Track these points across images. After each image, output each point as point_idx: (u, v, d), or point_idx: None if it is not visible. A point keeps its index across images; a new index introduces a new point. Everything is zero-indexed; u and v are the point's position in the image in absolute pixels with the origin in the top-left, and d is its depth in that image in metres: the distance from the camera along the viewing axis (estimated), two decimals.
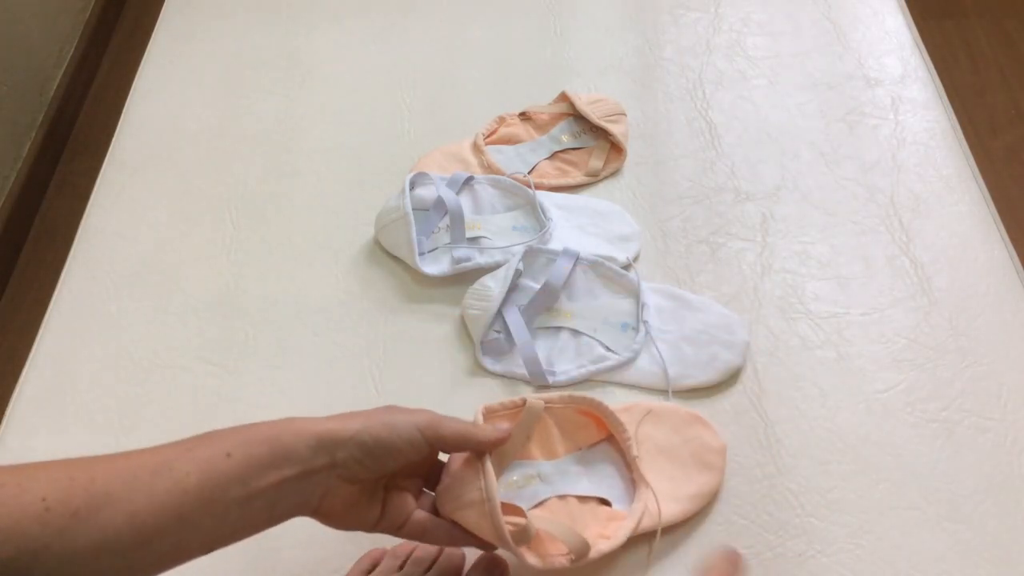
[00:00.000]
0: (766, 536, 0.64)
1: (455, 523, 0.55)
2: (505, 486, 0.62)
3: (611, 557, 0.61)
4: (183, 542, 0.45)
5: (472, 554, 0.63)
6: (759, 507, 0.65)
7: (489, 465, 0.54)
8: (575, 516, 0.62)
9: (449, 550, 0.62)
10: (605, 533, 0.61)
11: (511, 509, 0.57)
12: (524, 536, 0.55)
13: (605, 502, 0.64)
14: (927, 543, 0.63)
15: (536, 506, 0.62)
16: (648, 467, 0.64)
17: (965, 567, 0.62)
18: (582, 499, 0.63)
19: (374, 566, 0.62)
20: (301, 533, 0.65)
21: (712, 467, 0.65)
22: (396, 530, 0.55)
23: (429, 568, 0.61)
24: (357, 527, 0.54)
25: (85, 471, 0.43)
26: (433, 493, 0.57)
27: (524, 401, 0.61)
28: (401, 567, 0.61)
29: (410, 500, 0.55)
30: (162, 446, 0.47)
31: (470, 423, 0.56)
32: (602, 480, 0.65)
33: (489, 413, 0.61)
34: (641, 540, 0.63)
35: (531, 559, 0.55)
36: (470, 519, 0.54)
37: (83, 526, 0.40)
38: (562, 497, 0.63)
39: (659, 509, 0.62)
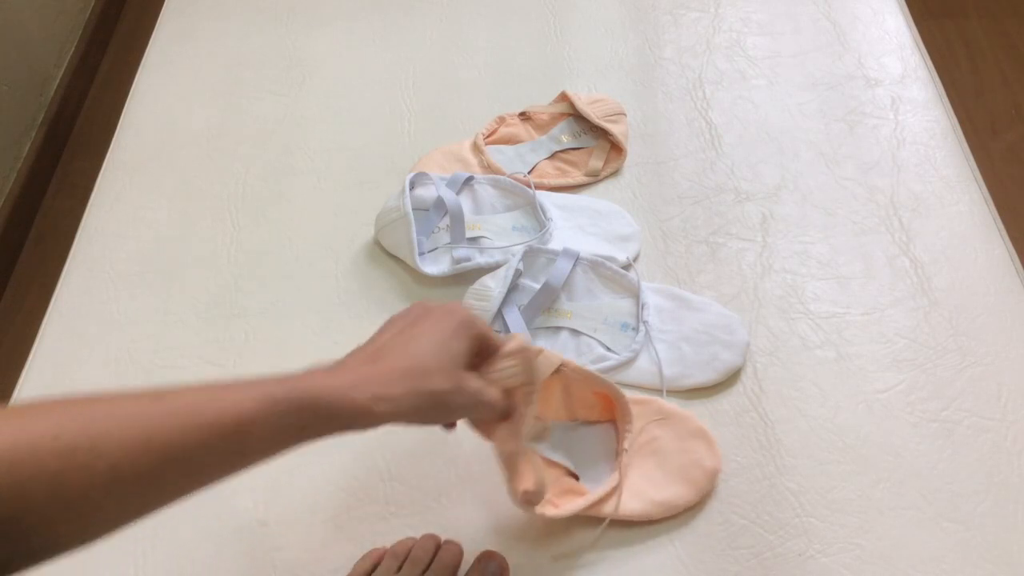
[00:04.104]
0: (766, 536, 0.64)
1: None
2: None
3: (559, 529, 0.63)
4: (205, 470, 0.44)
5: (470, 552, 0.63)
6: (759, 507, 0.65)
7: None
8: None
9: (446, 549, 0.62)
10: (555, 502, 0.62)
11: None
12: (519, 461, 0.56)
13: (573, 475, 0.65)
14: (927, 543, 0.63)
15: None
16: (634, 463, 0.64)
17: (965, 567, 0.62)
18: (549, 462, 0.65)
19: (375, 566, 0.62)
20: (301, 533, 0.65)
21: (694, 484, 0.65)
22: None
23: (428, 566, 0.61)
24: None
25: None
26: None
27: (541, 351, 0.60)
28: (400, 567, 0.61)
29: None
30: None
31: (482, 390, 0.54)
32: (581, 455, 0.66)
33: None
34: (612, 536, 0.64)
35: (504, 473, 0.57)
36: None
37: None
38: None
39: (618, 500, 0.62)
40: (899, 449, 0.67)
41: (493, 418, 0.55)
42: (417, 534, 0.64)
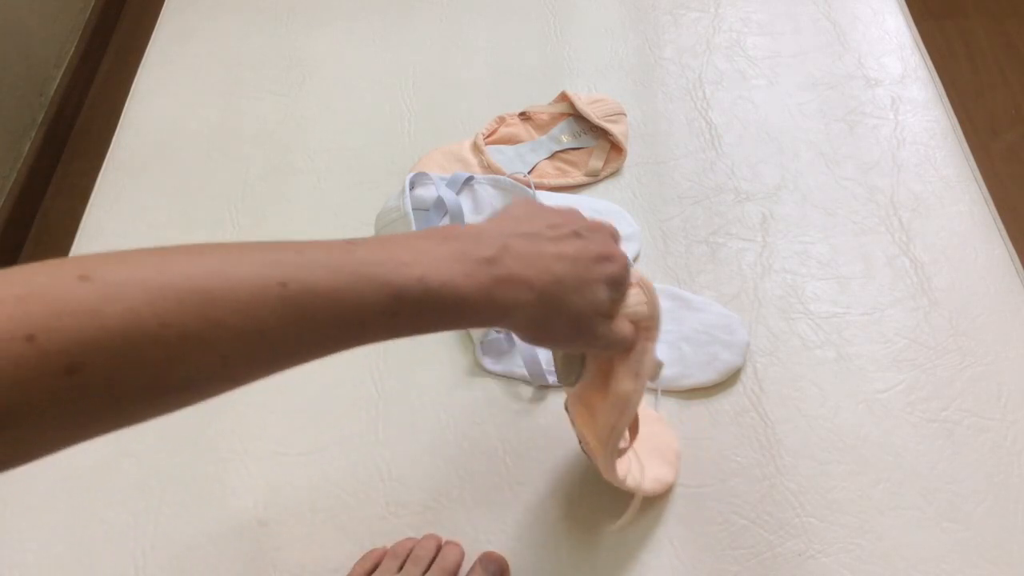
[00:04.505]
0: (766, 536, 0.64)
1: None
2: None
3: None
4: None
5: (470, 552, 0.63)
6: (759, 507, 0.65)
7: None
8: None
9: (448, 549, 0.62)
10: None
11: None
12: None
13: None
14: (927, 543, 0.63)
15: None
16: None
17: (965, 567, 0.62)
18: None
19: (375, 566, 0.62)
20: (301, 533, 0.65)
21: (670, 464, 0.66)
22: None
23: (429, 566, 0.61)
24: None
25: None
26: None
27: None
28: (401, 567, 0.61)
29: None
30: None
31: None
32: None
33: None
34: (613, 536, 0.64)
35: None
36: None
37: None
38: None
39: (643, 471, 0.62)
40: (899, 449, 0.67)
41: (621, 350, 0.51)
42: (417, 534, 0.64)
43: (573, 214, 0.51)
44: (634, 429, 0.60)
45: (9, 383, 0.31)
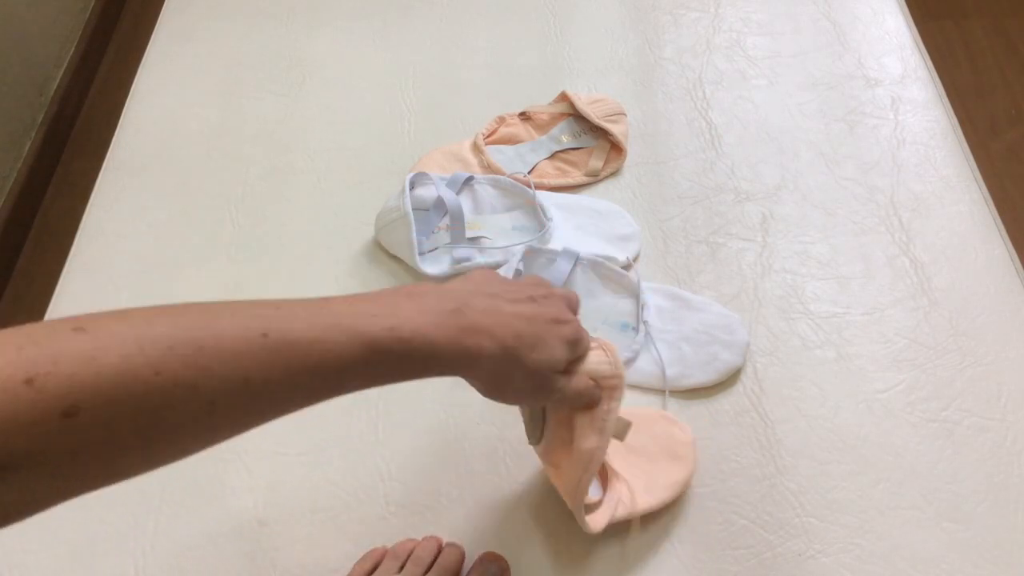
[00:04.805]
0: (766, 536, 0.64)
1: None
2: None
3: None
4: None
5: (471, 552, 0.63)
6: (759, 507, 0.65)
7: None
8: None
9: (448, 551, 0.62)
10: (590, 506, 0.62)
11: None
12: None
13: None
14: (927, 543, 0.63)
15: None
16: (620, 465, 0.65)
17: (965, 567, 0.62)
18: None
19: (375, 566, 0.62)
20: (301, 533, 0.65)
21: (683, 458, 0.66)
22: None
23: (430, 567, 0.61)
24: None
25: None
26: None
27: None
28: (402, 567, 0.61)
29: None
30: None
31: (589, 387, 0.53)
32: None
33: None
34: (613, 536, 0.63)
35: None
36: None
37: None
38: None
39: (633, 499, 0.62)
40: (899, 449, 0.67)
41: (579, 404, 0.53)
42: (417, 534, 0.64)
43: (529, 281, 0.53)
44: (604, 477, 0.63)
45: (9, 425, 0.32)
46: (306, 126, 0.93)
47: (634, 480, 0.64)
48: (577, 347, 0.52)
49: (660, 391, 0.71)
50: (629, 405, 0.68)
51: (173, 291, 0.80)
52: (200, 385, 0.37)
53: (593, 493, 0.63)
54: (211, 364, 0.38)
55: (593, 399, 0.53)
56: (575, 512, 0.59)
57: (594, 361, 0.53)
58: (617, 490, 0.63)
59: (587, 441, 0.54)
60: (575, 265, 0.75)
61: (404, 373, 0.45)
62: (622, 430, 0.56)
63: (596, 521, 0.60)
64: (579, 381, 0.52)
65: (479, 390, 0.50)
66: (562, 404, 0.53)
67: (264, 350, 0.40)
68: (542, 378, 0.50)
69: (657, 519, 0.64)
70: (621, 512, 0.62)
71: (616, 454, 0.65)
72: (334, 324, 0.42)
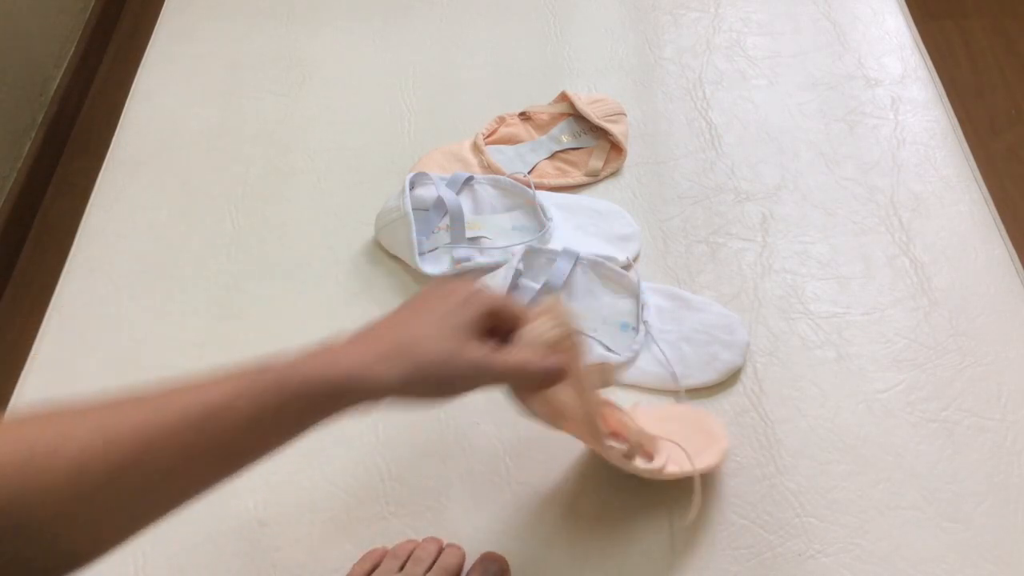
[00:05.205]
0: (766, 536, 0.64)
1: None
2: None
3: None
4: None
5: (471, 552, 0.63)
6: (759, 507, 0.65)
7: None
8: None
9: (449, 552, 0.62)
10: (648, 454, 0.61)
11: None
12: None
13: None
14: (927, 543, 0.63)
15: None
16: (659, 433, 0.63)
17: (965, 567, 0.62)
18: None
19: (375, 566, 0.62)
20: (301, 533, 0.65)
21: (716, 434, 0.65)
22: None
23: (430, 567, 0.61)
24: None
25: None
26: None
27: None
28: (402, 567, 0.61)
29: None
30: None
31: (525, 355, 0.51)
32: None
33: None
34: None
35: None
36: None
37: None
38: None
39: (690, 458, 0.61)
40: (899, 449, 0.67)
41: (536, 383, 0.51)
42: (417, 534, 0.64)
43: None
44: (649, 452, 0.61)
45: None
46: (306, 126, 0.93)
47: (678, 448, 0.63)
48: (469, 307, 0.50)
49: (661, 391, 0.71)
50: (630, 405, 0.68)
51: (173, 291, 0.80)
52: (61, 450, 0.39)
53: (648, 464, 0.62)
54: (73, 432, 0.40)
55: (550, 371, 0.50)
56: (614, 461, 0.58)
57: (539, 330, 0.51)
58: (664, 451, 0.62)
59: (577, 408, 0.53)
60: (575, 265, 0.75)
61: (283, 412, 0.45)
62: (608, 376, 0.54)
63: (660, 459, 0.59)
64: (517, 355, 0.49)
65: (405, 400, 0.49)
66: (505, 381, 0.51)
67: (121, 409, 0.42)
68: (434, 374, 0.48)
69: (658, 519, 0.64)
70: (672, 468, 0.60)
71: (652, 429, 0.64)
72: (204, 379, 0.44)
